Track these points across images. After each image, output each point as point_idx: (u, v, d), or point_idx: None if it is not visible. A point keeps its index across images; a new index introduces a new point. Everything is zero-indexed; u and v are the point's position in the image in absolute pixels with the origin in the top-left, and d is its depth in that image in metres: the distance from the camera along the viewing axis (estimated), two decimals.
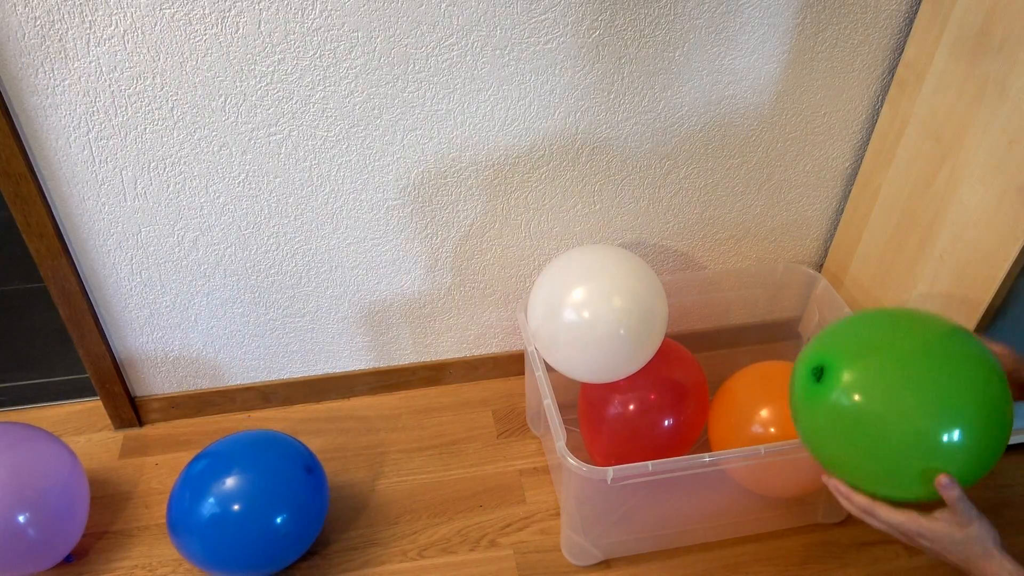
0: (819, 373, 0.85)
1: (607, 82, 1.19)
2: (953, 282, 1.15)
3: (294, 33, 1.05)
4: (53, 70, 1.03)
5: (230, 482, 1.09)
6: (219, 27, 1.03)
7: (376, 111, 1.14)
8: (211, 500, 1.08)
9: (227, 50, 1.05)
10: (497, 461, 1.38)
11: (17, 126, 1.07)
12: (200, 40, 1.03)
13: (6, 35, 0.99)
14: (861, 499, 0.84)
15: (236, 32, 1.03)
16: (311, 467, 1.16)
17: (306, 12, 1.03)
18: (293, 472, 1.13)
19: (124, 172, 1.14)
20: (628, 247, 1.41)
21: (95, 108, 1.07)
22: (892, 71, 1.27)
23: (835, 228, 1.47)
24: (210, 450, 1.15)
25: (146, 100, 1.07)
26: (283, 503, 1.10)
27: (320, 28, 1.05)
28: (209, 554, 1.09)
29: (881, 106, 1.30)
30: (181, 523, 1.09)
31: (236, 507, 1.08)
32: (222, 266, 1.27)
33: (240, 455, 1.13)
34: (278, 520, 1.09)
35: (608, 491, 1.08)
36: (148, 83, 1.06)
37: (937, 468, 0.78)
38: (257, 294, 1.32)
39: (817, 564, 1.22)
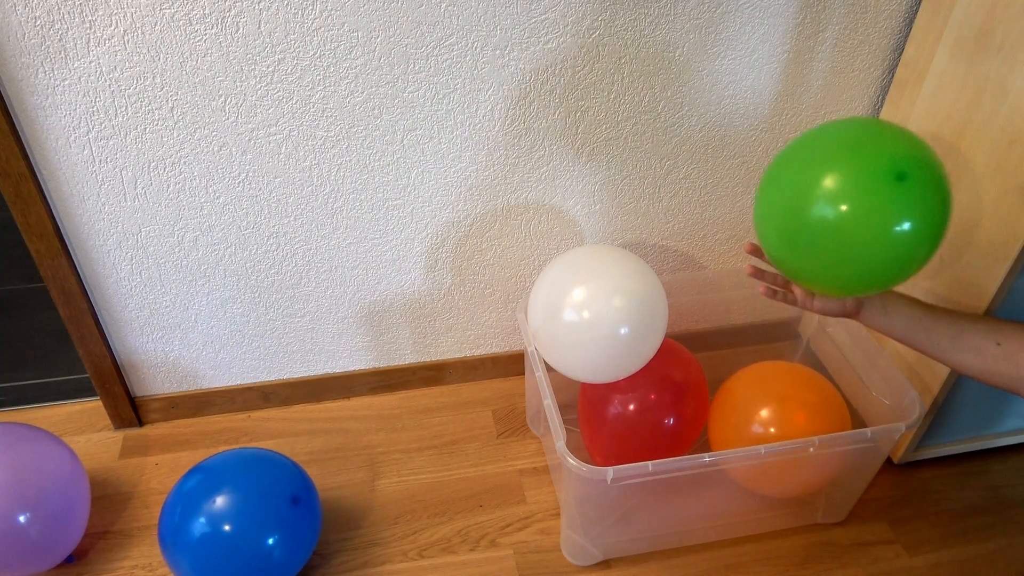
0: (902, 176, 0.81)
1: (607, 82, 1.19)
2: (953, 282, 1.15)
3: (294, 33, 1.05)
4: (53, 70, 1.03)
5: (216, 506, 1.05)
6: (219, 27, 1.03)
7: (376, 111, 1.14)
8: (195, 532, 1.04)
9: (227, 50, 1.05)
10: (497, 461, 1.38)
11: (17, 126, 1.07)
12: (200, 40, 1.03)
13: (6, 35, 0.99)
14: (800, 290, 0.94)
15: (236, 32, 1.03)
16: (298, 497, 1.12)
17: (306, 12, 1.03)
18: (279, 503, 1.10)
19: (124, 172, 1.14)
20: (628, 247, 1.41)
21: (95, 108, 1.07)
22: (892, 71, 1.27)
23: None
24: (200, 472, 1.11)
25: (146, 100, 1.07)
26: (268, 534, 1.07)
27: (320, 28, 1.05)
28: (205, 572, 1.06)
29: (881, 106, 1.30)
30: (168, 543, 1.07)
31: (223, 530, 1.05)
32: (222, 266, 1.27)
33: (228, 480, 1.09)
34: (263, 547, 1.07)
35: (608, 491, 1.08)
36: (148, 83, 1.06)
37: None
38: (257, 294, 1.32)
39: (817, 564, 1.22)
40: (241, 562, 1.07)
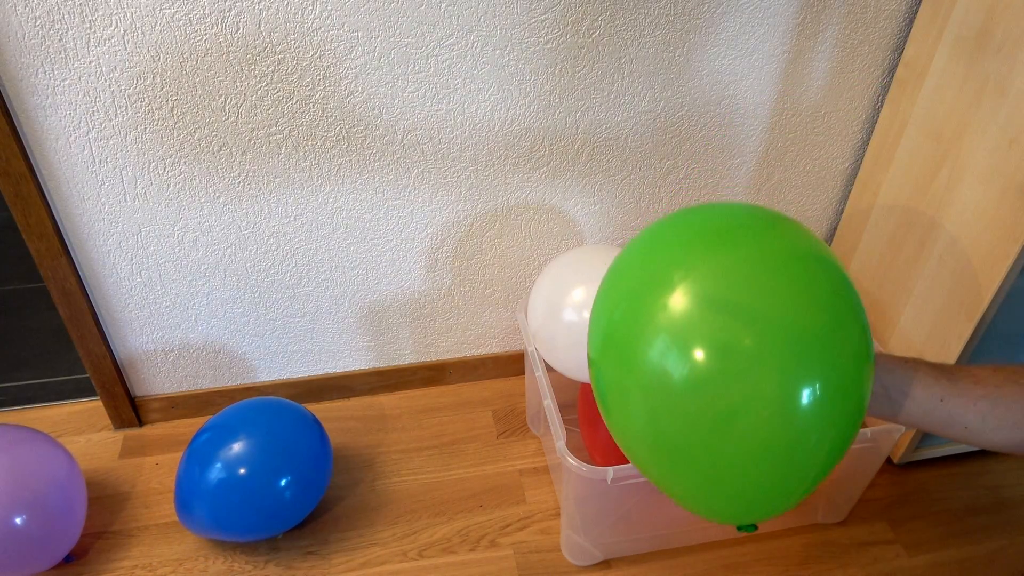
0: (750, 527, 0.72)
1: (607, 82, 1.19)
2: (953, 282, 1.15)
3: (294, 33, 1.05)
4: (53, 70, 1.03)
5: (242, 439, 1.14)
6: (219, 27, 1.03)
7: (376, 111, 1.14)
8: (223, 462, 1.12)
9: (227, 50, 1.05)
10: (497, 461, 1.38)
11: (17, 126, 1.06)
12: (200, 40, 1.03)
13: (6, 35, 0.99)
14: None
15: (236, 32, 1.03)
16: (316, 420, 1.23)
17: (306, 12, 1.03)
18: (302, 422, 1.20)
19: (124, 172, 1.14)
20: None
21: (95, 108, 1.07)
22: (892, 71, 1.27)
23: (835, 228, 1.47)
24: (215, 420, 1.19)
25: (146, 100, 1.07)
26: (297, 454, 1.17)
27: (320, 28, 1.05)
28: (223, 516, 1.13)
29: (881, 106, 1.30)
30: (198, 480, 1.12)
31: (243, 470, 1.12)
32: (222, 266, 1.27)
33: (247, 413, 1.19)
34: (286, 479, 1.14)
35: (608, 491, 1.08)
36: (148, 83, 1.06)
37: None
38: (257, 294, 1.32)
39: (817, 564, 1.22)
40: (269, 487, 1.13)
